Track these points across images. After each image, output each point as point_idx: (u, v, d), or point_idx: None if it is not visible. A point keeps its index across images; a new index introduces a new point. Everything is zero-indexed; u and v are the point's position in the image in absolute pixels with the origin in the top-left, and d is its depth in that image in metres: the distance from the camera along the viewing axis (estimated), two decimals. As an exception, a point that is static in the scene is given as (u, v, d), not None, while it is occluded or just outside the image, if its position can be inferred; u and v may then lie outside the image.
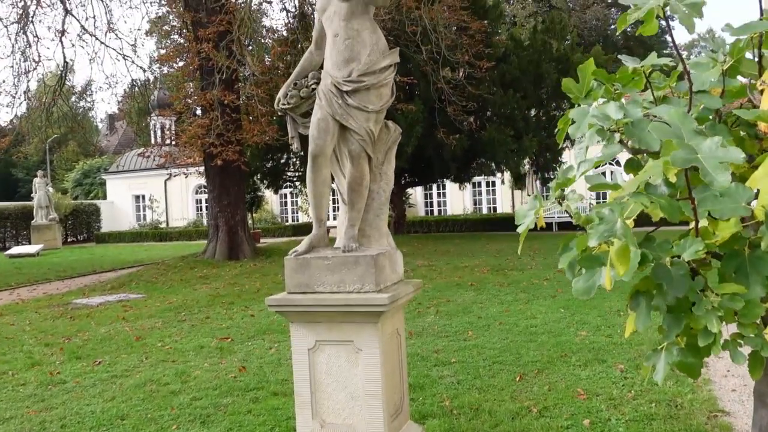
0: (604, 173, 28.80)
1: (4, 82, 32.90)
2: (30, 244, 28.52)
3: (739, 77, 1.80)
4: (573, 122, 1.86)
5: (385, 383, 3.64)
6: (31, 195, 31.35)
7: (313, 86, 4.01)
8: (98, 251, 26.74)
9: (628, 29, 46.11)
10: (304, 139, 4.08)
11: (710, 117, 1.71)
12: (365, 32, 3.82)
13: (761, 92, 1.59)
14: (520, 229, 1.91)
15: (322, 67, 4.01)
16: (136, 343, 7.93)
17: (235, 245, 17.53)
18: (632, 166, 1.94)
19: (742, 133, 1.74)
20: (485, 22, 21.42)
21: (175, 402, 5.45)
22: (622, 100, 1.93)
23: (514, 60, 21.94)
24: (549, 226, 25.99)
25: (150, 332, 8.61)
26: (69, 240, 33.56)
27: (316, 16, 4.12)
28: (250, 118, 17.04)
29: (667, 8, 1.43)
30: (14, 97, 18.56)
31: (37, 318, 10.30)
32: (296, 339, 3.79)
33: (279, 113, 4.24)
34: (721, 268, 1.44)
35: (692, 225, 1.49)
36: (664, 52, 41.21)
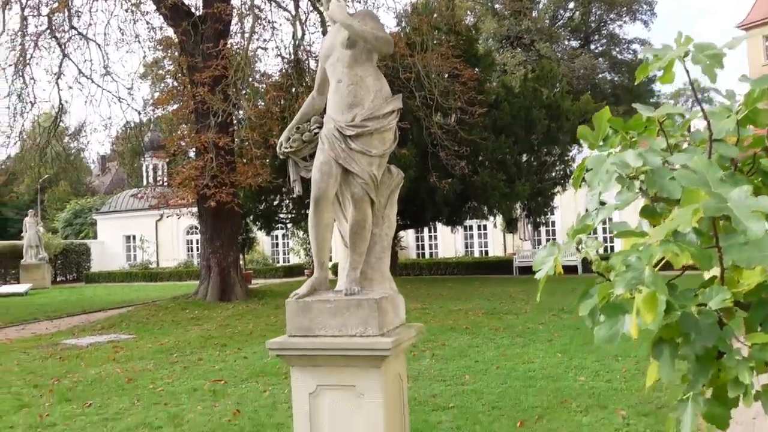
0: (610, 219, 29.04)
1: (-1, 124, 33.02)
2: (19, 283, 28.19)
3: (750, 127, 1.84)
4: (589, 170, 1.88)
5: (388, 429, 3.57)
6: (21, 234, 31.13)
7: (316, 130, 4.05)
8: (88, 291, 26.43)
9: (616, 78, 47.21)
10: (305, 183, 4.11)
11: (726, 165, 1.73)
12: (369, 78, 3.88)
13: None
14: (538, 275, 1.90)
15: (324, 113, 4.06)
16: (128, 385, 7.78)
17: (227, 286, 17.40)
18: (648, 213, 1.94)
19: (756, 181, 1.76)
20: (477, 70, 21.85)
21: (168, 447, 5.32)
22: (639, 147, 1.95)
23: (506, 106, 22.29)
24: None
25: (141, 374, 8.46)
26: (58, 279, 33.21)
27: (319, 63, 4.18)
28: (244, 160, 17.13)
29: (688, 59, 1.46)
30: (9, 137, 18.60)
31: (26, 358, 10.10)
32: (297, 383, 3.74)
33: (281, 156, 4.28)
34: (749, 317, 1.44)
35: (712, 273, 1.49)
36: (650, 100, 42.12)
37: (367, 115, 3.79)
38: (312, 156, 4.02)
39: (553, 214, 27.70)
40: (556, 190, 24.48)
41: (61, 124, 23.22)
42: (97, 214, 41.24)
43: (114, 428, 5.97)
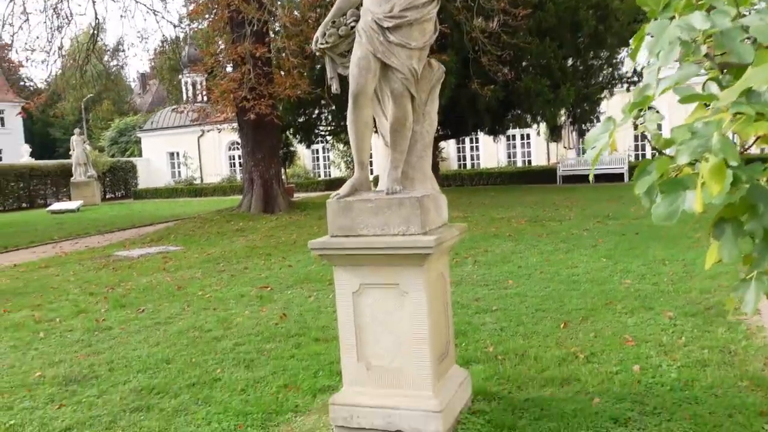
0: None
1: (38, 38, 33.15)
2: (70, 200, 29.11)
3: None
4: (650, 37, 1.72)
5: (432, 326, 3.58)
6: (69, 153, 31.86)
7: (353, 24, 3.87)
8: (136, 207, 27.18)
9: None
10: (343, 81, 3.96)
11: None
12: (406, -34, 3.64)
13: None
14: (590, 154, 1.78)
15: (360, 5, 3.86)
16: (178, 293, 8.04)
17: (270, 198, 17.61)
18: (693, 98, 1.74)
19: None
20: (520, -32, 20.70)
21: (219, 347, 5.51)
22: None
23: (551, 7, 21.19)
24: (585, 178, 25.55)
25: (190, 282, 8.72)
26: (107, 197, 34.16)
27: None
28: (282, 72, 16.88)
29: None
30: (49, 54, 18.67)
31: (81, 269, 10.51)
32: (340, 282, 3.74)
33: (317, 53, 4.12)
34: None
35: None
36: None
37: (406, 5, 3.58)
38: (349, 52, 3.86)
39: (599, 120, 26.88)
40: (603, 95, 23.59)
41: (99, 41, 23.20)
42: (141, 132, 41.82)
43: (167, 331, 6.19)
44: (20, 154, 37.76)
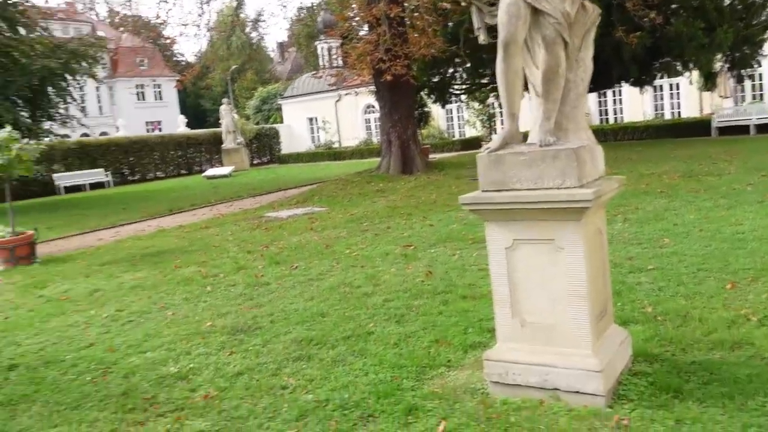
0: None
1: (190, 13, 35.34)
2: (222, 166, 31.12)
3: None
4: None
5: (590, 283, 3.46)
6: (219, 122, 33.96)
7: (500, -29, 3.72)
8: (281, 171, 28.57)
9: None
10: (491, 31, 3.84)
11: None
12: None
13: None
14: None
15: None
16: (326, 251, 8.38)
17: (408, 159, 17.80)
18: None
19: None
20: None
21: (369, 303, 5.69)
22: None
23: (705, -60, 19.29)
24: (745, 129, 23.35)
25: (336, 241, 9.05)
26: (254, 162, 36.13)
27: None
28: (416, 33, 16.81)
29: None
30: (199, 27, 19.80)
31: (237, 229, 11.26)
32: (492, 238, 3.70)
33: (463, 3, 4.02)
34: None
35: None
36: None
37: (556, -55, 3.39)
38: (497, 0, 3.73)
39: (760, 65, 24.35)
40: (766, 35, 21.26)
41: (241, 14, 24.32)
42: (282, 99, 43.61)
43: (319, 287, 6.49)
44: (177, 125, 40.84)
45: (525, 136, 3.70)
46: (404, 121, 17.95)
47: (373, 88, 19.05)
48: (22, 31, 22.10)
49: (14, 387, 4.48)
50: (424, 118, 29.92)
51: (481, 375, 3.79)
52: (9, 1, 21.82)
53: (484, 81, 23.09)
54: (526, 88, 3.80)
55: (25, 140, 10.53)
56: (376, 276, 6.67)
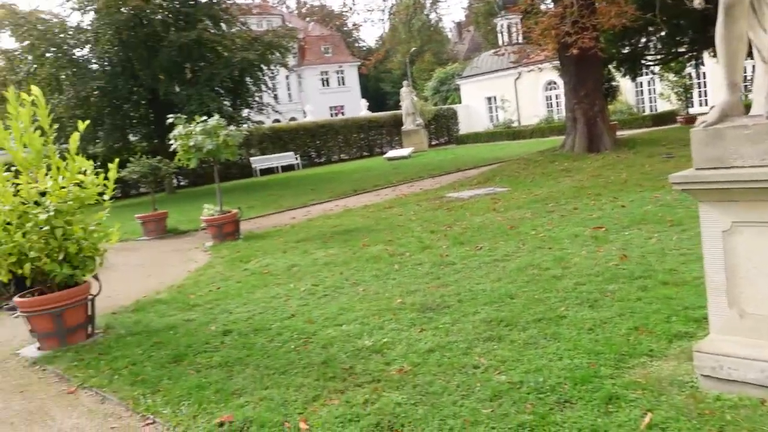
0: None
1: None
2: (401, 147, 31.91)
3: None
4: None
5: (830, 272, 3.04)
6: (399, 104, 34.78)
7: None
8: (459, 151, 28.63)
9: None
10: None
11: None
12: None
13: None
14: None
15: None
16: (510, 232, 8.25)
17: (595, 137, 16.94)
18: None
19: None
20: None
21: (559, 286, 5.50)
22: None
23: None
24: None
25: (521, 222, 8.87)
26: (432, 143, 36.58)
27: None
28: (604, 1, 15.84)
29: None
30: (383, 12, 20.32)
31: (419, 209, 11.47)
32: (707, 220, 3.37)
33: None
34: None
35: None
36: None
37: None
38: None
39: None
40: None
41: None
42: (460, 79, 43.59)
43: (505, 268, 6.40)
44: (359, 108, 42.51)
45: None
46: (591, 96, 17.08)
47: (556, 63, 18.34)
48: (224, 27, 24.23)
49: (229, 350, 4.94)
50: (612, 92, 28.23)
51: (688, 367, 3.51)
52: (213, 0, 24.00)
53: (682, 50, 21.26)
54: (749, 55, 3.40)
55: (231, 127, 11.51)
56: (565, 258, 6.43)
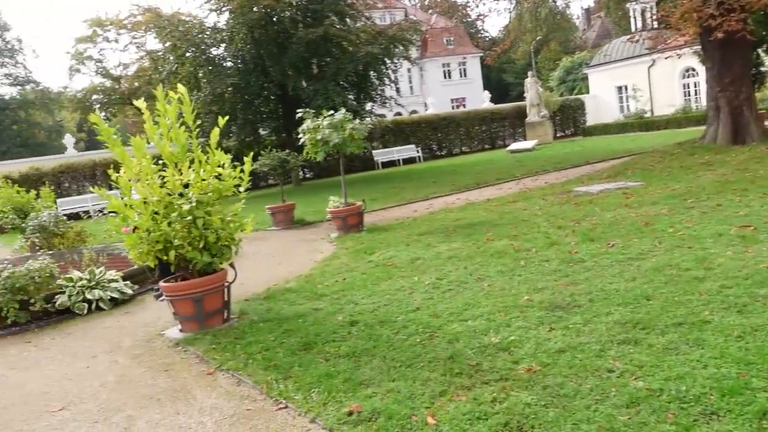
0: None
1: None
2: (525, 140, 31.17)
3: None
4: None
5: None
6: (523, 95, 33.96)
7: None
8: (587, 143, 27.52)
9: None
10: None
11: None
12: None
13: None
14: None
15: None
16: (645, 228, 7.80)
17: (740, 127, 15.65)
18: None
19: None
20: None
21: (702, 288, 5.12)
22: None
23: None
24: None
25: (656, 218, 8.37)
26: (558, 135, 35.42)
27: None
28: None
29: None
30: (510, 1, 19.89)
31: (545, 204, 11.13)
32: None
33: None
34: None
35: None
36: None
37: None
38: None
39: None
40: None
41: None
42: (588, 68, 41.82)
43: (640, 267, 6.05)
44: (482, 100, 41.98)
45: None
46: (737, 83, 15.79)
47: (697, 48, 17.10)
48: (349, 22, 24.73)
49: (356, 341, 5.04)
50: (761, 79, 25.97)
51: None
52: (338, -4, 24.55)
53: (844, 30, 19.10)
54: None
55: (357, 121, 11.72)
56: (708, 259, 5.98)
